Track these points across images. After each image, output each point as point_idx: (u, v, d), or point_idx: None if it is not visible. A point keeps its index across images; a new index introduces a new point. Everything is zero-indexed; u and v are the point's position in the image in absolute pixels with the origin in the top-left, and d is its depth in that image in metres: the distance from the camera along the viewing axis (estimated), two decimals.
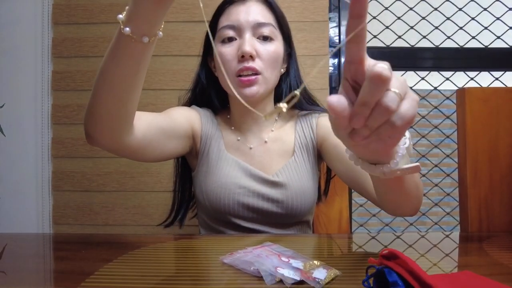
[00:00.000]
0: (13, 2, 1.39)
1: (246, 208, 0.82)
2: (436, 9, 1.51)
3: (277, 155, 0.87)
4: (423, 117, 1.59)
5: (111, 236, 0.76)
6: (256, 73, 0.79)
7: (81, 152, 1.40)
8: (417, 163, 0.47)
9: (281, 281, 0.47)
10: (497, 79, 1.54)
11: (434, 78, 1.53)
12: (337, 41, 1.44)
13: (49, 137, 1.41)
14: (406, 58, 1.50)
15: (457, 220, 1.61)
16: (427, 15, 1.50)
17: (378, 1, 1.50)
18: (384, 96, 0.37)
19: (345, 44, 0.40)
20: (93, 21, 1.40)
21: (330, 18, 1.42)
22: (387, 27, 1.50)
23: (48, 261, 0.64)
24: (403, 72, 1.52)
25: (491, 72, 1.54)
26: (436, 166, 1.60)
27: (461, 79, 1.52)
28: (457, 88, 0.98)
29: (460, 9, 1.51)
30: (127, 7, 0.53)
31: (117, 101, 0.59)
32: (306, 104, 0.91)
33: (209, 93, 0.91)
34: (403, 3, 1.50)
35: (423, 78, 1.53)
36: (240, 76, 0.79)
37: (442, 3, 1.50)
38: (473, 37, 1.52)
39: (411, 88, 1.55)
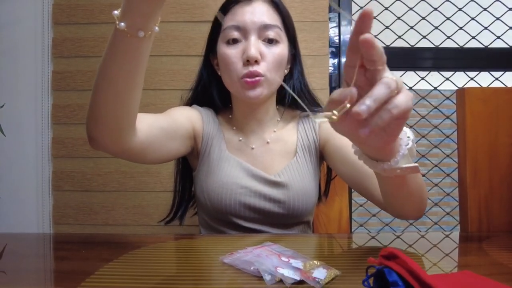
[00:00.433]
0: (13, 2, 1.39)
1: (247, 208, 0.82)
2: (436, 9, 1.51)
3: (279, 155, 0.87)
4: (423, 117, 1.59)
5: (111, 236, 0.76)
6: (260, 75, 0.79)
7: (81, 152, 1.40)
8: (416, 164, 0.50)
9: (281, 281, 0.47)
10: (497, 79, 1.54)
11: (434, 78, 1.53)
12: (337, 41, 1.44)
13: (49, 137, 1.41)
14: (406, 58, 1.50)
15: (457, 220, 1.61)
16: (427, 15, 1.50)
17: (378, 1, 1.50)
18: (384, 78, 0.42)
19: (346, 51, 0.45)
20: (93, 21, 1.39)
21: (330, 18, 1.42)
22: (387, 27, 1.50)
23: (48, 261, 0.64)
24: (403, 72, 1.52)
25: (491, 72, 1.54)
26: (436, 166, 1.60)
27: (461, 79, 1.52)
28: (457, 88, 0.98)
29: (460, 9, 1.51)
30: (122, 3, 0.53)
31: (117, 100, 0.59)
32: (308, 105, 0.91)
33: (211, 91, 0.90)
34: (403, 3, 1.50)
35: (423, 78, 1.53)
36: (244, 78, 0.79)
37: (442, 3, 1.50)
38: (473, 37, 1.52)
39: (410, 88, 1.56)
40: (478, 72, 1.53)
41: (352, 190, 1.42)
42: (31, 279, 0.53)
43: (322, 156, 0.89)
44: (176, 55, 1.38)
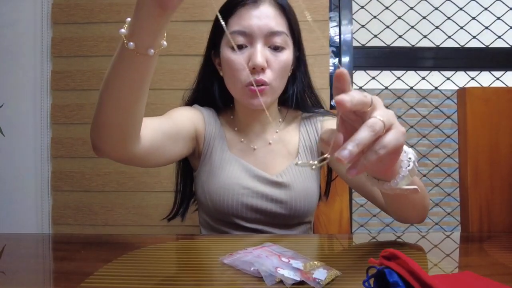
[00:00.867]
0: (13, 1, 1.39)
1: (249, 209, 0.82)
2: (436, 8, 1.50)
3: (281, 156, 0.87)
4: (424, 117, 1.59)
5: (110, 236, 0.76)
6: (265, 83, 0.78)
7: (81, 152, 1.40)
8: (416, 186, 0.51)
9: (281, 281, 0.47)
10: (498, 79, 1.54)
11: (435, 78, 1.53)
12: (338, 40, 1.44)
13: (49, 137, 1.41)
14: (406, 58, 1.49)
15: (457, 220, 1.61)
16: (428, 15, 1.50)
17: (378, 1, 1.49)
18: (369, 120, 0.42)
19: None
20: (93, 21, 1.39)
21: (330, 18, 1.41)
22: (387, 27, 1.50)
23: (47, 262, 0.64)
24: (404, 71, 1.52)
25: (492, 72, 1.53)
26: (436, 166, 1.60)
27: (461, 79, 1.52)
28: (457, 88, 0.98)
29: (460, 9, 1.51)
30: (127, 19, 0.52)
31: (123, 113, 0.59)
32: (310, 106, 0.91)
33: (212, 92, 0.89)
34: (404, 2, 1.50)
35: (423, 78, 1.53)
36: (249, 85, 0.78)
37: (443, 3, 1.50)
38: (474, 37, 1.52)
39: (411, 88, 1.56)
40: (479, 72, 1.53)
41: (353, 190, 1.41)
42: (30, 280, 0.53)
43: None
44: (176, 55, 1.37)
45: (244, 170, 0.83)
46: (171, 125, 0.77)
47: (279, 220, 0.84)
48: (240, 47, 0.78)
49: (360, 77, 1.52)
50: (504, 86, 1.51)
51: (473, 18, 1.51)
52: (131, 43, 0.51)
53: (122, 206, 1.40)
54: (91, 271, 0.52)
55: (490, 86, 1.51)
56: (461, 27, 1.52)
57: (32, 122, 1.40)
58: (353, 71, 1.46)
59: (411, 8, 1.50)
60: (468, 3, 1.51)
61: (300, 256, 0.54)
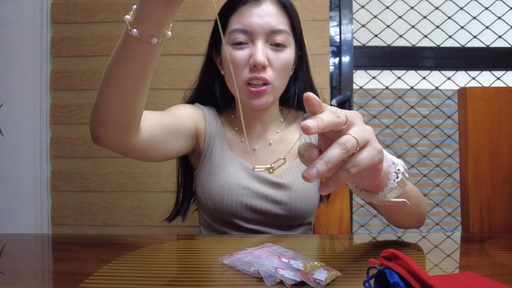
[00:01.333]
0: (12, 1, 1.39)
1: (249, 209, 0.82)
2: (437, 8, 1.50)
3: (281, 156, 0.86)
4: (425, 116, 1.59)
5: (110, 236, 0.76)
6: (266, 83, 0.78)
7: (80, 152, 1.39)
8: (404, 200, 0.52)
9: (281, 282, 0.47)
10: (498, 78, 1.54)
11: (435, 78, 1.53)
12: (338, 40, 1.43)
13: (48, 137, 1.41)
14: (407, 58, 1.49)
15: (458, 220, 1.61)
16: (428, 14, 1.50)
17: (379, 0, 1.49)
18: (341, 137, 0.42)
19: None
20: (92, 20, 1.39)
21: (330, 17, 1.41)
22: (388, 26, 1.50)
23: (46, 262, 0.64)
24: (404, 71, 1.52)
25: (493, 72, 1.53)
26: (437, 166, 1.59)
27: (462, 78, 1.52)
28: (458, 87, 0.97)
29: (461, 8, 1.51)
30: (133, 6, 0.52)
31: (124, 103, 0.58)
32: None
33: (213, 91, 0.88)
34: (404, 2, 1.50)
35: (424, 78, 1.53)
36: (249, 84, 0.78)
37: (443, 2, 1.50)
38: (475, 37, 1.51)
39: (412, 87, 1.56)
40: (479, 72, 1.53)
41: None
42: (29, 280, 0.52)
43: None
44: (175, 54, 1.37)
45: (244, 170, 0.83)
46: (172, 121, 0.76)
47: (278, 221, 0.83)
48: (241, 44, 0.78)
49: (361, 77, 1.51)
50: (505, 85, 1.51)
51: (474, 17, 1.51)
52: (135, 30, 0.51)
53: (122, 207, 1.40)
54: (91, 271, 0.52)
55: (491, 86, 1.51)
56: (462, 27, 1.51)
57: (32, 122, 1.39)
58: (354, 71, 1.46)
59: (412, 8, 1.50)
60: (469, 2, 1.51)
61: (300, 256, 0.54)
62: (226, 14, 0.80)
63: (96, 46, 1.39)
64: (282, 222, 0.83)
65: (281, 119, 0.91)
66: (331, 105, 1.45)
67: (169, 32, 0.54)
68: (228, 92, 0.87)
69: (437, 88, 1.54)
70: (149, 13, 0.50)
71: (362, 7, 1.50)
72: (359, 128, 0.44)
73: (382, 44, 1.50)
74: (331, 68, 1.42)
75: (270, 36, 0.77)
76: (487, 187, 0.85)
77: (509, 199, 0.85)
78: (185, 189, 0.94)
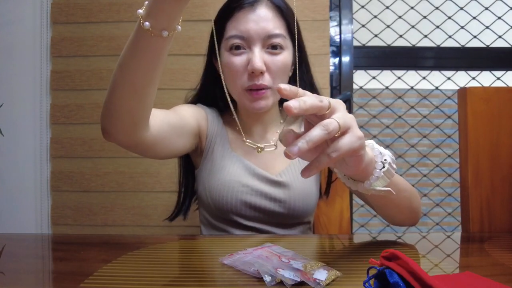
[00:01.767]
0: (12, 1, 1.39)
1: (248, 206, 0.82)
2: (437, 8, 1.50)
3: (282, 156, 0.86)
4: (424, 116, 1.59)
5: (110, 236, 0.76)
6: (265, 87, 0.79)
7: (80, 152, 1.39)
8: (389, 188, 0.54)
9: (281, 282, 0.47)
10: (498, 78, 1.53)
11: (436, 78, 1.53)
12: (338, 40, 1.43)
13: (48, 137, 1.41)
14: (407, 58, 1.49)
15: (458, 220, 1.61)
16: (428, 14, 1.50)
17: (379, 0, 1.49)
18: (324, 120, 0.44)
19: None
20: (92, 20, 1.39)
21: (330, 17, 1.41)
22: (388, 26, 1.50)
23: (46, 262, 0.64)
24: (404, 71, 1.52)
25: (493, 72, 1.53)
26: (437, 166, 1.59)
27: (462, 78, 1.52)
28: (458, 87, 0.97)
29: (461, 8, 1.51)
30: (146, 2, 0.54)
31: (134, 96, 0.60)
32: None
33: (214, 94, 0.90)
34: (404, 2, 1.50)
35: (424, 78, 1.53)
36: (248, 90, 0.79)
37: (443, 2, 1.50)
38: (475, 37, 1.51)
39: (412, 87, 1.56)
40: (479, 72, 1.53)
41: None
42: (29, 280, 0.52)
43: None
44: (175, 54, 1.37)
45: (244, 168, 0.84)
46: (177, 119, 0.78)
47: (277, 219, 0.84)
48: (238, 48, 0.79)
49: (361, 76, 1.51)
50: (505, 85, 1.51)
51: (474, 17, 1.51)
52: (147, 23, 0.53)
53: (122, 207, 1.39)
54: (91, 271, 0.52)
55: (491, 85, 1.51)
56: (462, 27, 1.51)
57: (32, 122, 1.39)
58: (354, 71, 1.46)
59: (412, 8, 1.50)
60: (469, 2, 1.51)
61: (300, 256, 0.54)
62: (222, 20, 0.81)
63: (96, 46, 1.39)
64: (280, 220, 0.84)
65: (281, 120, 0.91)
66: None
67: (179, 27, 0.56)
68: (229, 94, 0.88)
69: (437, 88, 1.54)
70: (160, 7, 0.52)
71: (362, 7, 1.50)
72: (341, 114, 0.46)
73: (382, 44, 1.50)
74: (331, 68, 1.42)
75: (266, 40, 0.78)
76: (487, 187, 0.85)
77: (509, 199, 0.85)
78: (187, 189, 0.95)
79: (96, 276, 0.51)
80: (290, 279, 0.46)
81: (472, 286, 0.44)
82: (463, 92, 0.87)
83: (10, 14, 1.39)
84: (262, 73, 0.77)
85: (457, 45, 1.51)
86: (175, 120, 0.77)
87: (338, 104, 0.47)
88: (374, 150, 0.54)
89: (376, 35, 1.49)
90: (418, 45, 1.50)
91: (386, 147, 1.61)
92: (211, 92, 0.90)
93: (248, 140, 0.58)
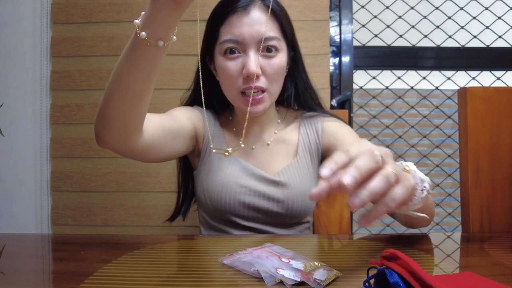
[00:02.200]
0: (12, 1, 1.39)
1: (247, 207, 0.82)
2: (437, 8, 1.50)
3: (279, 156, 0.87)
4: (425, 116, 1.59)
5: (110, 236, 0.76)
6: (262, 90, 0.79)
7: (80, 152, 1.39)
8: (425, 214, 0.56)
9: (281, 282, 0.47)
10: (498, 78, 1.53)
11: (436, 78, 1.53)
12: (338, 40, 1.43)
13: (48, 137, 1.41)
14: (407, 58, 1.49)
15: (458, 220, 1.61)
16: (428, 14, 1.50)
17: (379, 0, 1.49)
18: (384, 171, 0.44)
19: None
20: (92, 20, 1.39)
21: (330, 17, 1.41)
22: (388, 26, 1.50)
23: (46, 262, 0.64)
24: (404, 71, 1.51)
25: (493, 72, 1.53)
26: (437, 166, 1.59)
27: (462, 78, 1.52)
28: (458, 87, 0.97)
29: (461, 8, 1.51)
30: (142, 13, 0.55)
31: (130, 104, 0.61)
32: (314, 105, 0.91)
33: (209, 95, 0.89)
34: (404, 2, 1.50)
35: (424, 78, 1.53)
36: (244, 93, 0.79)
37: (443, 2, 1.50)
38: (475, 37, 1.51)
39: (412, 88, 1.56)
40: (479, 72, 1.52)
41: None
42: (29, 280, 0.52)
43: (324, 158, 0.89)
44: (175, 54, 1.37)
45: (242, 169, 0.84)
46: (172, 123, 0.78)
47: (276, 219, 0.84)
48: (233, 52, 0.78)
49: (361, 76, 1.51)
50: (505, 85, 1.51)
51: (474, 17, 1.51)
52: (143, 33, 0.54)
53: (122, 207, 1.39)
54: (91, 271, 0.52)
55: (491, 86, 1.51)
56: (462, 27, 1.51)
57: (32, 122, 1.39)
58: (354, 71, 1.46)
59: (412, 8, 1.50)
60: (469, 2, 1.51)
61: (301, 256, 0.54)
62: (216, 24, 0.81)
63: (96, 46, 1.39)
64: (279, 220, 0.84)
65: (279, 120, 0.91)
66: (331, 105, 1.45)
67: (175, 37, 0.58)
68: (224, 95, 0.88)
69: (437, 88, 1.54)
70: (157, 18, 0.54)
71: (362, 7, 1.50)
72: (393, 164, 0.46)
73: (382, 44, 1.50)
74: (331, 68, 1.42)
75: (261, 43, 0.78)
76: (487, 187, 0.85)
77: (509, 198, 0.85)
78: (186, 190, 0.95)
79: (96, 276, 0.51)
80: (290, 279, 0.46)
81: (472, 286, 0.44)
82: (463, 92, 0.87)
83: (10, 14, 1.39)
84: (257, 76, 0.78)
85: (457, 45, 1.51)
86: (170, 123, 0.77)
87: (387, 154, 0.47)
88: (416, 178, 0.53)
89: (376, 35, 1.49)
90: (418, 45, 1.50)
91: (386, 147, 1.61)
92: (205, 93, 0.90)
93: (216, 147, 0.58)
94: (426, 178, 0.55)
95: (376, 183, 0.43)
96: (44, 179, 1.40)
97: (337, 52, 1.43)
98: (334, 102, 1.39)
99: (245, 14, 0.78)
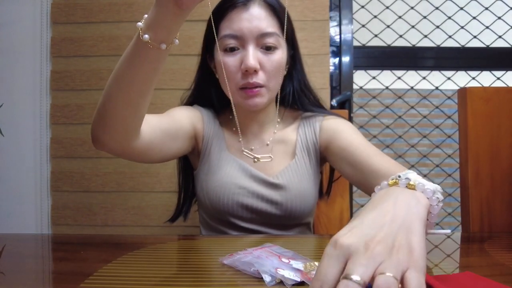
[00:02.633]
0: (12, 1, 1.39)
1: (245, 208, 0.82)
2: (437, 8, 1.50)
3: (278, 157, 0.86)
4: (424, 116, 1.59)
5: (110, 236, 0.76)
6: (259, 85, 0.78)
7: (80, 152, 1.39)
8: (448, 230, 0.50)
9: (281, 282, 0.47)
10: (498, 78, 1.54)
11: (436, 78, 1.53)
12: (338, 40, 1.43)
13: (48, 137, 1.41)
14: (407, 58, 1.49)
15: (458, 220, 1.61)
16: (428, 14, 1.50)
17: (379, 0, 1.49)
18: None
19: None
20: (92, 21, 1.39)
21: (330, 17, 1.41)
22: (388, 26, 1.50)
23: (46, 262, 0.64)
24: (404, 71, 1.52)
25: (493, 72, 1.53)
26: (437, 166, 1.59)
27: (462, 78, 1.52)
28: (458, 87, 0.97)
29: (461, 8, 1.51)
30: (145, 15, 0.56)
31: (129, 106, 0.61)
32: (310, 106, 0.90)
33: (209, 94, 0.90)
34: (404, 2, 1.50)
35: (424, 78, 1.53)
36: (243, 88, 0.79)
37: (443, 2, 1.50)
38: (475, 37, 1.51)
39: (412, 88, 1.56)
40: (479, 72, 1.53)
41: (354, 190, 1.41)
42: (29, 280, 0.52)
43: (324, 158, 0.88)
44: (175, 54, 1.37)
45: (241, 169, 0.84)
46: (170, 123, 0.78)
47: (274, 221, 0.84)
48: (233, 49, 0.79)
49: (361, 77, 1.51)
50: (505, 86, 1.51)
51: (474, 17, 1.51)
52: (146, 35, 0.54)
53: (122, 207, 1.39)
54: (91, 271, 0.52)
55: (491, 86, 1.51)
56: (462, 27, 1.51)
57: (32, 122, 1.39)
58: (354, 71, 1.46)
59: (412, 8, 1.50)
60: (469, 2, 1.51)
61: (301, 256, 0.54)
62: (216, 20, 0.81)
63: (96, 46, 1.39)
64: (278, 221, 0.84)
65: (278, 119, 0.91)
66: (331, 105, 1.45)
67: (177, 40, 0.58)
68: (225, 94, 0.88)
69: (437, 88, 1.54)
70: (159, 21, 0.54)
71: (362, 7, 1.50)
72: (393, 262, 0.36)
73: (382, 44, 1.50)
74: (331, 68, 1.42)
75: (260, 39, 0.78)
76: (487, 187, 0.85)
77: (509, 199, 0.85)
78: (186, 190, 0.95)
79: (96, 276, 0.51)
80: (290, 279, 0.46)
81: (472, 286, 0.44)
82: (463, 92, 0.87)
83: (10, 14, 1.39)
84: (256, 71, 0.77)
85: (457, 45, 1.51)
86: (168, 124, 0.77)
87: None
88: (427, 192, 0.47)
89: (376, 35, 1.49)
90: (418, 45, 1.50)
91: (386, 147, 1.61)
92: (206, 92, 0.90)
93: (245, 150, 0.57)
94: (437, 187, 0.49)
95: None
96: (44, 179, 1.40)
97: (337, 52, 1.43)
98: (334, 102, 1.39)
99: (245, 10, 0.78)
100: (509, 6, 1.51)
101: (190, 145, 0.85)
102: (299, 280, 0.46)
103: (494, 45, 1.50)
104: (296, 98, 0.89)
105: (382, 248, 0.36)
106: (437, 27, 1.51)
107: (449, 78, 1.53)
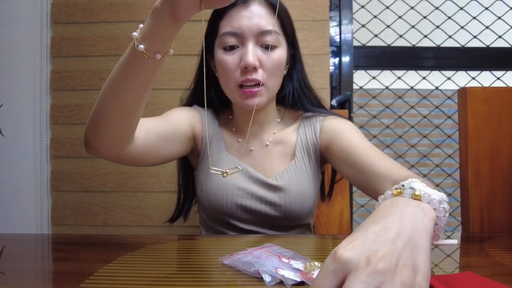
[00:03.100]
0: (12, 1, 1.38)
1: (244, 210, 0.82)
2: (437, 8, 1.50)
3: (278, 158, 0.86)
4: (425, 116, 1.59)
5: (110, 236, 0.76)
6: (258, 83, 0.78)
7: (80, 152, 1.39)
8: (456, 241, 0.54)
9: (281, 282, 0.47)
10: (498, 78, 1.54)
11: (436, 78, 1.53)
12: (338, 40, 1.43)
13: (48, 137, 1.41)
14: (407, 58, 1.49)
15: (458, 220, 1.61)
16: (428, 14, 1.50)
17: (379, 0, 1.49)
18: None
19: None
20: (92, 21, 1.39)
21: (330, 17, 1.41)
22: (388, 26, 1.50)
23: (46, 262, 0.64)
24: (404, 71, 1.52)
25: (493, 72, 1.53)
26: (437, 166, 1.59)
27: (462, 78, 1.52)
28: (458, 87, 0.97)
29: (461, 8, 1.51)
30: (140, 25, 0.56)
31: (124, 114, 0.61)
32: (311, 106, 0.90)
33: (209, 93, 0.89)
34: (404, 2, 1.50)
35: (424, 78, 1.53)
36: (241, 86, 0.79)
37: (443, 2, 1.50)
38: (475, 37, 1.51)
39: (412, 88, 1.55)
40: (479, 72, 1.53)
41: (353, 190, 1.41)
42: (29, 280, 0.52)
43: (324, 158, 0.88)
44: (175, 55, 1.35)
45: (240, 171, 0.83)
46: (167, 126, 0.78)
47: (274, 222, 0.83)
48: (233, 47, 0.79)
49: (361, 76, 1.51)
50: (505, 86, 1.51)
51: (474, 17, 1.51)
52: (141, 45, 0.55)
53: (122, 207, 1.39)
54: (91, 271, 0.52)
55: (491, 86, 1.51)
56: (462, 27, 1.51)
57: (32, 122, 1.39)
58: (354, 71, 1.46)
59: (412, 8, 1.50)
60: (469, 2, 1.51)
61: (301, 256, 0.54)
62: (216, 18, 0.81)
63: (96, 46, 1.39)
64: (277, 223, 0.84)
65: (278, 119, 0.90)
66: (331, 105, 1.45)
67: (172, 50, 0.59)
68: (225, 94, 0.88)
69: (437, 88, 1.54)
70: (156, 32, 0.55)
71: (362, 7, 1.50)
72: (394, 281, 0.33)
73: (382, 44, 1.50)
74: (331, 68, 1.42)
75: (259, 37, 0.78)
76: (487, 187, 0.85)
77: (509, 198, 0.85)
78: (186, 190, 0.95)
79: (96, 276, 0.51)
80: (290, 279, 0.46)
81: (472, 286, 0.44)
82: (463, 92, 0.87)
83: (10, 14, 1.38)
84: (255, 69, 0.77)
85: (457, 45, 1.51)
86: (165, 127, 0.77)
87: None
88: (433, 203, 0.46)
89: (376, 35, 1.49)
90: (418, 45, 1.50)
91: (386, 147, 1.61)
92: (206, 91, 0.90)
93: (213, 168, 0.60)
94: (442, 196, 0.48)
95: None
96: (44, 179, 1.40)
97: (337, 52, 1.43)
98: (334, 102, 1.39)
99: (245, 8, 0.78)
100: (509, 6, 1.51)
101: (188, 146, 0.85)
102: (299, 280, 0.46)
103: (494, 45, 1.50)
104: (296, 98, 0.89)
105: (385, 265, 0.34)
106: (437, 27, 1.51)
107: (449, 78, 1.53)
